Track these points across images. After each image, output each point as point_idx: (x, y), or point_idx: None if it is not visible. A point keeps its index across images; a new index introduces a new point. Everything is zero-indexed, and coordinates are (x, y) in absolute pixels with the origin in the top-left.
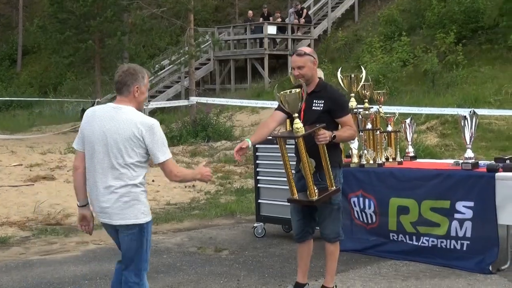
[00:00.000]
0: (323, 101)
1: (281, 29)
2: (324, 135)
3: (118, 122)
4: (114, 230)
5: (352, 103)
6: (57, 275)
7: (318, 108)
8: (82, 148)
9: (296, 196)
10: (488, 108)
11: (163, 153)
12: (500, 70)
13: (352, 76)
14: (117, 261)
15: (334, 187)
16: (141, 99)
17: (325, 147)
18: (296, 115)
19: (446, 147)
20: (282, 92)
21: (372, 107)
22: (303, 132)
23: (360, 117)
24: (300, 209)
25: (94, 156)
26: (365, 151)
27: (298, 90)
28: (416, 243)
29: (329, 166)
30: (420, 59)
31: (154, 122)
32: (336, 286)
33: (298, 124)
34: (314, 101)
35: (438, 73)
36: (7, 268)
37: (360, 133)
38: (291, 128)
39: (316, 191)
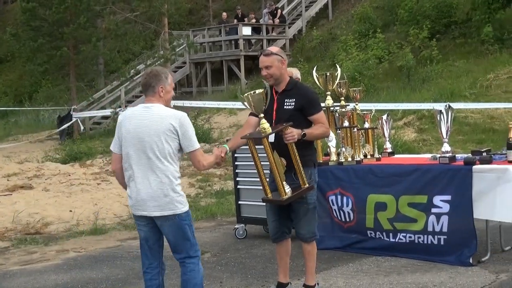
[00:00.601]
0: (294, 99)
1: (256, 30)
2: (292, 133)
3: (151, 119)
4: (149, 223)
5: (329, 101)
6: (38, 284)
7: (289, 107)
8: (119, 150)
9: (270, 195)
10: (463, 101)
11: (194, 142)
12: (474, 63)
13: (328, 74)
14: (144, 270)
15: (307, 186)
16: (167, 97)
17: (294, 146)
18: (262, 115)
19: (424, 141)
20: (246, 94)
21: (349, 105)
22: (270, 132)
23: (337, 115)
24: (276, 209)
25: (132, 154)
26: (343, 149)
27: (261, 90)
28: (394, 240)
29: (300, 164)
30: (395, 55)
31: (184, 114)
32: (318, 283)
33: (265, 124)
34: (286, 100)
35: (413, 68)
36: None
37: (338, 131)
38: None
39: (288, 190)
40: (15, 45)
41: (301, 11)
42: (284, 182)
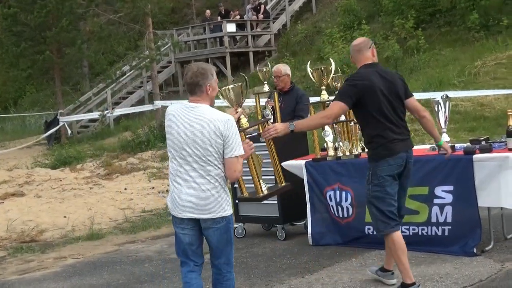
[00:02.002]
0: None
1: (240, 26)
2: (269, 130)
3: (199, 121)
4: (195, 226)
5: (324, 96)
6: None
7: None
8: None
9: (246, 194)
10: (453, 90)
11: (236, 148)
12: (461, 51)
13: (322, 68)
14: (187, 271)
15: (284, 184)
16: (213, 95)
17: (271, 142)
18: (240, 109)
19: (415, 132)
20: (223, 88)
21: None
22: (247, 126)
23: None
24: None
25: (179, 156)
26: (340, 143)
27: (239, 84)
28: None
29: (278, 162)
30: (381, 46)
31: (230, 117)
32: (419, 285)
33: (243, 118)
34: None
35: (400, 59)
36: None
37: (335, 125)
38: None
39: (264, 188)
40: None
41: (285, 6)
42: (261, 180)
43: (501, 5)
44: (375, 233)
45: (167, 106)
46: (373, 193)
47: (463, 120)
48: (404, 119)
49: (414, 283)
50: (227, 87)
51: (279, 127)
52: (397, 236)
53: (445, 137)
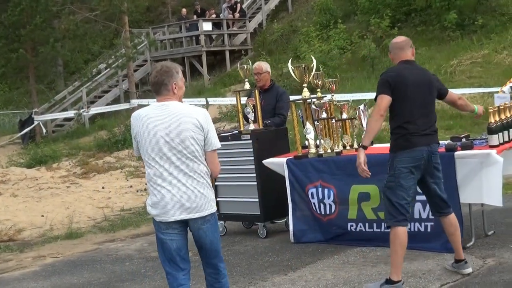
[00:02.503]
0: None
1: (217, 25)
2: (363, 172)
3: (177, 116)
4: (183, 229)
5: (305, 93)
6: None
7: None
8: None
9: None
10: None
11: (217, 141)
12: (437, 50)
13: (304, 66)
14: (177, 284)
15: None
16: (180, 93)
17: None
18: None
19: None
20: None
21: (325, 96)
22: None
23: (314, 107)
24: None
25: (160, 157)
26: (322, 141)
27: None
28: (378, 230)
29: None
30: (357, 45)
31: (206, 110)
32: (403, 282)
33: None
34: None
35: (377, 57)
36: None
37: (316, 123)
38: None
39: None
40: None
41: (261, 5)
42: None
43: (475, 4)
44: (358, 230)
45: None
46: (388, 183)
47: (440, 119)
48: (432, 116)
49: (399, 281)
50: None
51: (362, 158)
52: (401, 231)
53: None
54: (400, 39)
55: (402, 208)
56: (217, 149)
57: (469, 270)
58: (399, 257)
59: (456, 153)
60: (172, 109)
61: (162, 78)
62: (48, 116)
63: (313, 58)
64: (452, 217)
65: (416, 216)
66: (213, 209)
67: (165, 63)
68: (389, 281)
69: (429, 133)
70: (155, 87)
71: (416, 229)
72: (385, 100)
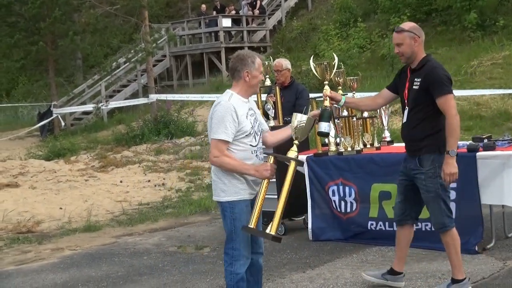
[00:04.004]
0: (420, 79)
1: (236, 21)
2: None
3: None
4: None
5: (326, 91)
6: (36, 284)
7: (416, 87)
8: None
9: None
10: None
11: (214, 131)
12: (457, 51)
13: (325, 63)
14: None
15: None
16: (253, 82)
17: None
18: (296, 142)
19: None
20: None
21: (346, 94)
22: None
23: (335, 105)
24: (402, 189)
25: None
26: (342, 139)
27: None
28: None
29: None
30: (377, 44)
31: (220, 101)
32: (469, 279)
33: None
34: (415, 79)
35: (396, 57)
36: None
37: (336, 121)
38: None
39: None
40: None
41: (280, 2)
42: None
43: (497, 5)
44: (378, 229)
45: (162, 100)
46: (443, 186)
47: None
48: None
49: (465, 278)
50: (298, 120)
51: (456, 167)
52: (456, 231)
53: None
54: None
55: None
56: (217, 139)
57: (402, 284)
58: (460, 256)
59: (478, 153)
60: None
61: (236, 65)
62: (67, 109)
63: (335, 55)
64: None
65: None
66: (220, 198)
67: (244, 51)
68: (456, 281)
69: None
70: (230, 72)
71: None
72: (454, 99)
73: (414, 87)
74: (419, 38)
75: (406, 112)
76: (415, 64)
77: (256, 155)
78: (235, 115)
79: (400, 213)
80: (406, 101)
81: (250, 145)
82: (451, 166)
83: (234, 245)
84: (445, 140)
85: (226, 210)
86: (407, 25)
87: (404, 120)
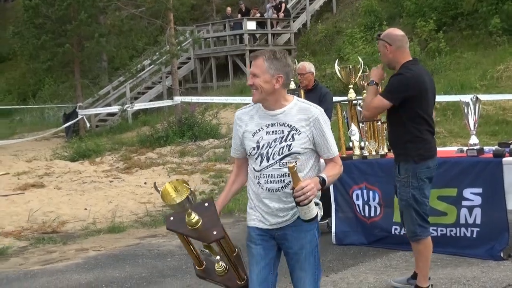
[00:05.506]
0: None
1: (260, 24)
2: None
3: None
4: None
5: (351, 94)
6: (61, 284)
7: None
8: None
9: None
10: (474, 93)
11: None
12: (483, 55)
13: (351, 67)
14: None
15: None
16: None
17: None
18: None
19: (436, 134)
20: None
21: None
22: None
23: (360, 108)
24: None
25: None
26: (367, 143)
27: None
28: None
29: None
30: None
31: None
32: (432, 286)
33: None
34: None
35: (421, 61)
36: (8, 280)
37: (361, 125)
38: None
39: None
40: (18, 43)
41: (305, 5)
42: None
43: None
44: (402, 234)
45: (186, 102)
46: (414, 196)
47: (485, 124)
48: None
49: (428, 286)
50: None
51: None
52: (430, 241)
53: (473, 139)
54: (400, 31)
55: (427, 217)
56: None
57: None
58: (428, 265)
59: (504, 159)
60: None
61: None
62: (92, 111)
63: (360, 59)
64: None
65: (462, 221)
66: None
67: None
68: None
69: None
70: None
71: (462, 234)
72: (382, 102)
73: None
74: (390, 46)
75: None
76: (396, 71)
77: (259, 182)
78: (236, 128)
79: None
80: None
81: (253, 168)
82: None
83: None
84: (419, 151)
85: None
86: (385, 32)
87: None
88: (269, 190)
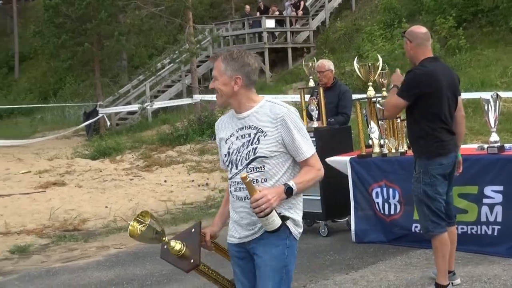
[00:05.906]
0: None
1: (279, 22)
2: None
3: None
4: None
5: (370, 92)
6: (83, 281)
7: None
8: None
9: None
10: (495, 90)
11: None
12: (503, 52)
13: (370, 64)
14: None
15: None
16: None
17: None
18: (165, 239)
19: None
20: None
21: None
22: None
23: (379, 106)
24: None
25: None
26: (386, 140)
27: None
28: None
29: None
30: None
31: None
32: (452, 283)
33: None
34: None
35: (441, 58)
36: (30, 277)
37: (381, 122)
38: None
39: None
40: (39, 42)
41: (324, 3)
42: None
43: None
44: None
45: (206, 100)
46: (425, 192)
47: (505, 121)
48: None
49: (448, 284)
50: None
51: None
52: (446, 237)
53: (494, 137)
54: (423, 28)
55: (443, 213)
56: None
57: (458, 281)
58: (446, 262)
59: None
60: None
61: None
62: (112, 109)
63: (379, 56)
64: (454, 229)
65: (483, 219)
66: None
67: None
68: (439, 286)
69: (454, 137)
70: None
71: (483, 232)
72: (398, 101)
73: None
74: (411, 43)
75: None
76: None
77: (231, 191)
78: (217, 138)
79: None
80: None
81: (228, 176)
82: None
83: None
84: (430, 148)
85: None
86: (409, 29)
87: None
88: (238, 198)
